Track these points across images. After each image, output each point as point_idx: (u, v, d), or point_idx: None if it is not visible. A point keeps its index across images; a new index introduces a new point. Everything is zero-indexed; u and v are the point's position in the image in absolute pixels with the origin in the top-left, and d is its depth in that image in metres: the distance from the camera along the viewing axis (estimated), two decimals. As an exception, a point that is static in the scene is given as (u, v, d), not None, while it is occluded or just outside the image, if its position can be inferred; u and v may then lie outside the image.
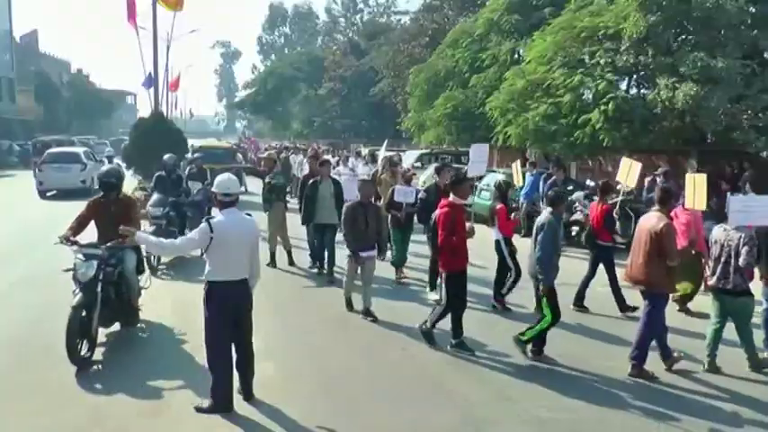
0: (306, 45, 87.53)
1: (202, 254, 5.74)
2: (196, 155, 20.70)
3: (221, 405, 5.68)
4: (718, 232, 7.01)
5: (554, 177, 14.03)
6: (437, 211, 7.44)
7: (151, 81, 22.80)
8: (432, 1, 38.23)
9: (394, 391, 6.31)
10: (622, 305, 8.95)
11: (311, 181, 10.92)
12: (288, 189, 13.29)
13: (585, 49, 17.03)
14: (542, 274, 6.99)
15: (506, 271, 9.21)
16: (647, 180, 13.50)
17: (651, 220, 6.88)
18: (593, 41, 17.01)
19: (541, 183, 14.65)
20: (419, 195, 10.36)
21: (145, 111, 57.48)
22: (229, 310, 5.72)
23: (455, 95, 24.90)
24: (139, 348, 7.37)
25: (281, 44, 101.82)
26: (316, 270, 11.30)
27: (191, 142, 26.48)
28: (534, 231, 7.22)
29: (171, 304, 9.11)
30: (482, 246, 13.51)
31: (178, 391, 6.17)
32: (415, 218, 10.85)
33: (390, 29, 51.04)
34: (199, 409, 5.69)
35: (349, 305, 9.01)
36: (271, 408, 5.82)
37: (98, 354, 7.14)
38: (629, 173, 10.57)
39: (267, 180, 12.06)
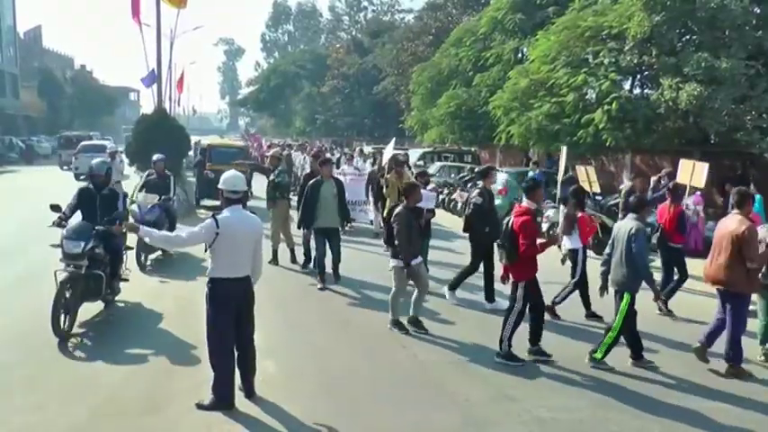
0: (309, 43, 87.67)
1: (206, 250, 5.71)
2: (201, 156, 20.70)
3: (223, 402, 5.68)
4: (762, 232, 7.03)
5: (631, 184, 13.56)
6: (512, 219, 6.98)
7: (152, 78, 22.77)
8: (435, -1, 38.25)
9: (395, 390, 6.31)
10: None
11: (312, 182, 10.32)
12: (292, 187, 13.31)
13: (589, 49, 17.03)
14: (648, 283, 6.90)
15: (582, 278, 8.89)
16: (652, 180, 13.48)
17: (732, 223, 6.83)
18: (596, 41, 17.01)
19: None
20: (473, 200, 9.39)
21: (148, 107, 57.54)
22: (232, 307, 5.72)
23: (458, 94, 24.93)
24: (141, 346, 7.37)
25: (285, 42, 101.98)
26: (308, 269, 11.12)
27: (194, 139, 26.53)
28: (622, 239, 6.93)
29: (172, 302, 9.11)
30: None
31: (179, 389, 6.17)
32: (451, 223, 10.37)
33: (394, 27, 51.05)
34: (200, 406, 5.69)
35: (399, 325, 8.00)
36: (272, 405, 5.82)
37: (99, 353, 7.15)
38: (692, 174, 10.10)
39: (271, 178, 12.06)
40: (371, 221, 15.33)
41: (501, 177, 17.25)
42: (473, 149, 25.78)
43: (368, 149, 24.12)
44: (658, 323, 8.59)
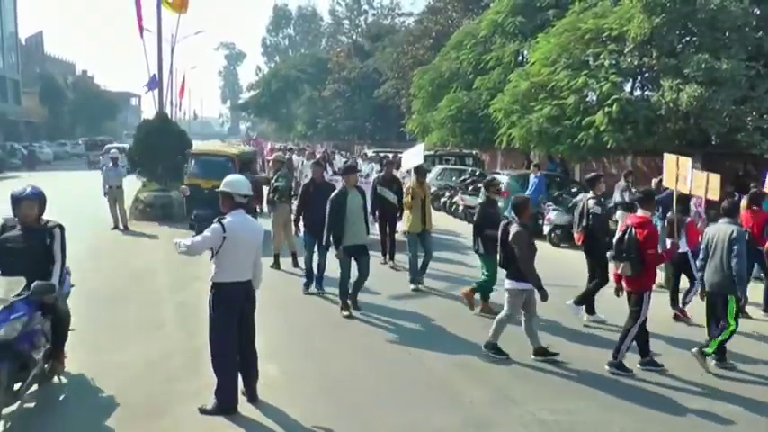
0: (310, 47, 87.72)
1: (212, 257, 5.70)
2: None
3: (225, 406, 5.68)
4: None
5: (657, 181, 13.42)
6: (634, 229, 6.85)
7: (154, 83, 22.81)
8: (436, 3, 38.30)
9: (397, 392, 6.31)
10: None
11: (336, 193, 8.91)
12: (292, 191, 13.20)
13: (590, 51, 17.04)
14: (740, 285, 6.94)
15: (690, 281, 8.82)
16: (653, 182, 13.47)
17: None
18: (597, 43, 17.02)
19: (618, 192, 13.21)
20: (593, 210, 8.84)
21: (149, 112, 57.65)
22: (235, 311, 5.73)
23: (459, 97, 24.95)
24: (143, 351, 7.38)
25: (286, 46, 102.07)
26: (315, 292, 9.85)
27: (196, 144, 26.55)
28: (721, 243, 6.97)
29: (173, 307, 9.13)
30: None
31: (182, 393, 6.17)
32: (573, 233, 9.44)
33: (394, 31, 51.13)
34: (203, 411, 5.69)
35: (496, 348, 7.29)
36: (274, 409, 5.82)
37: (96, 355, 7.16)
38: (707, 186, 9.59)
39: (271, 182, 12.08)
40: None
41: (502, 180, 17.27)
42: (474, 152, 25.79)
43: (370, 153, 23.96)
44: (663, 325, 8.57)
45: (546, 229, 15.02)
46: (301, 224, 10.06)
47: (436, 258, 11.43)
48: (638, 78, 17.66)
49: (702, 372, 6.93)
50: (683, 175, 7.88)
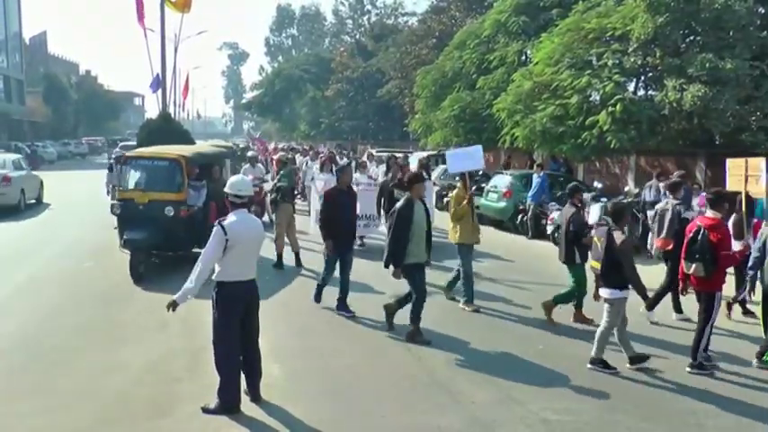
0: (313, 47, 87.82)
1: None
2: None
3: (228, 406, 5.69)
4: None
5: (681, 173, 13.16)
6: (707, 231, 6.83)
7: (158, 84, 22.88)
8: (439, 2, 38.28)
9: (400, 392, 6.31)
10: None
11: (403, 205, 7.88)
12: (295, 191, 13.29)
13: (593, 51, 16.99)
14: None
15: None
16: (661, 185, 13.44)
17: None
18: (600, 43, 16.98)
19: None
20: (683, 215, 8.62)
21: (153, 112, 57.74)
22: (239, 310, 5.74)
23: (462, 97, 24.91)
24: (146, 351, 7.39)
25: (289, 46, 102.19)
26: (347, 316, 8.83)
27: (198, 143, 26.56)
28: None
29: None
30: (493, 248, 13.53)
31: (185, 393, 6.18)
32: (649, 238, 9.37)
33: (398, 30, 51.11)
34: (206, 410, 5.70)
35: (603, 363, 7.01)
36: (277, 408, 5.82)
37: (99, 355, 7.18)
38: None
39: (274, 182, 12.10)
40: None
41: (505, 180, 17.26)
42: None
43: (377, 154, 23.65)
44: (662, 324, 8.56)
45: (549, 229, 14.99)
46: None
47: (437, 258, 11.43)
48: (642, 78, 17.61)
49: (710, 371, 6.92)
50: (754, 176, 7.88)
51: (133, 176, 11.48)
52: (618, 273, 6.87)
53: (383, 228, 12.51)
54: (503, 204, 16.83)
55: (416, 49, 36.57)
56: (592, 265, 7.25)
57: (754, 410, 6.06)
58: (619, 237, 6.93)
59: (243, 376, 5.88)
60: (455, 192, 9.56)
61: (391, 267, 7.88)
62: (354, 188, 12.64)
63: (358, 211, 12.34)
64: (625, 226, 7.47)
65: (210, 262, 5.62)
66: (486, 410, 5.91)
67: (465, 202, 9.19)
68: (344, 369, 6.93)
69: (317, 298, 9.20)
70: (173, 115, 24.91)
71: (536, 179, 15.81)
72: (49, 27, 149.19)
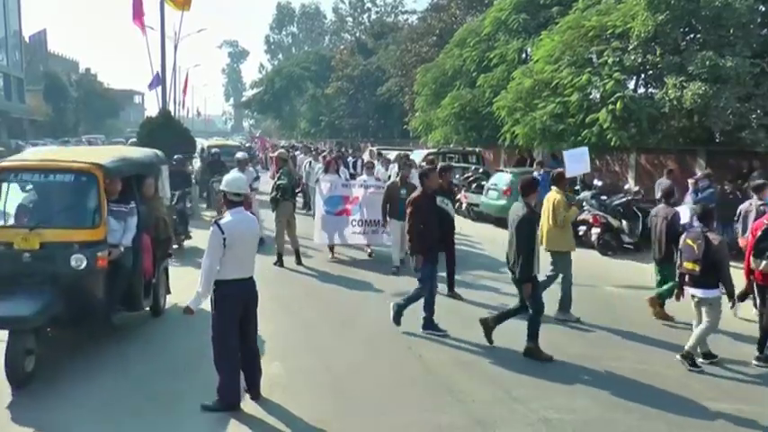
0: (313, 44, 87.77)
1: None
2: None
3: (228, 403, 5.69)
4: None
5: (707, 172, 13.13)
6: None
7: (157, 82, 22.87)
8: (439, 0, 38.20)
9: (401, 390, 6.31)
10: None
11: (528, 215, 7.20)
12: (295, 190, 13.04)
13: (593, 49, 16.97)
14: None
15: None
16: (689, 182, 13.46)
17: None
18: (600, 40, 16.96)
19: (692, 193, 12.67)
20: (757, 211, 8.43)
21: (152, 110, 57.73)
22: (239, 308, 5.74)
23: (462, 95, 24.89)
24: (145, 349, 7.39)
25: (289, 43, 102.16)
26: (440, 334, 7.93)
27: (198, 141, 26.56)
28: None
29: (174, 305, 9.12)
30: (493, 246, 13.54)
31: (185, 390, 6.18)
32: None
33: (398, 28, 51.04)
34: (206, 408, 5.70)
35: (711, 355, 7.23)
36: (277, 406, 5.83)
37: (103, 352, 7.18)
38: None
39: (274, 179, 12.08)
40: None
41: (505, 178, 17.24)
42: (477, 150, 25.76)
43: (384, 153, 22.46)
44: (664, 323, 8.56)
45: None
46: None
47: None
48: (642, 76, 17.58)
49: (709, 370, 6.92)
50: None
51: (12, 202, 7.04)
52: (714, 273, 6.94)
53: (386, 236, 12.03)
54: (503, 202, 16.78)
55: (417, 47, 36.51)
56: (686, 266, 7.15)
57: (755, 409, 6.05)
58: (715, 238, 7.00)
59: (243, 374, 5.88)
60: (555, 196, 8.77)
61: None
62: (362, 191, 12.44)
63: (365, 216, 12.27)
64: (714, 226, 7.46)
65: (214, 263, 5.60)
66: (487, 409, 5.91)
67: (575, 206, 9.22)
68: (345, 367, 6.93)
69: (398, 319, 8.07)
70: (173, 113, 24.88)
71: (536, 177, 15.79)
72: (49, 25, 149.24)
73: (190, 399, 5.93)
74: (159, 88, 22.82)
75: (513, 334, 7.90)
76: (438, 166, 10.32)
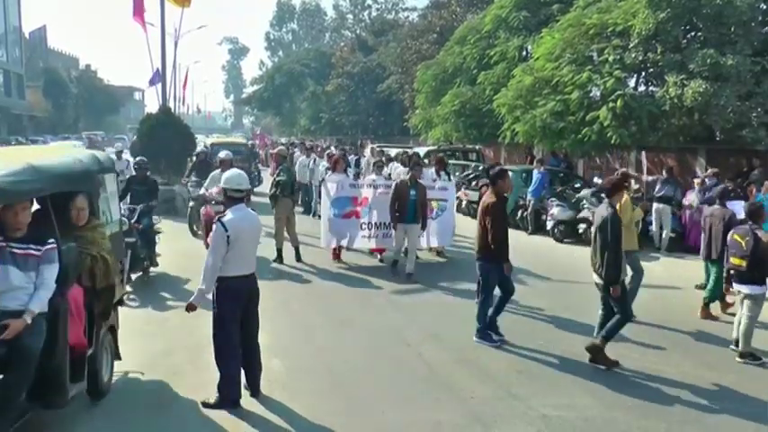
0: (313, 41, 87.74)
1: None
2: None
3: (228, 401, 5.69)
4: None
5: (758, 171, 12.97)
6: None
7: (157, 78, 22.85)
8: (439, -3, 38.14)
9: (400, 388, 6.31)
10: None
11: (615, 215, 6.97)
12: (294, 186, 12.93)
13: (594, 46, 16.94)
14: None
15: None
16: (695, 182, 13.46)
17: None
18: (601, 38, 16.92)
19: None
20: None
21: (153, 106, 57.63)
22: (240, 304, 5.75)
23: (463, 92, 24.85)
24: (145, 344, 7.39)
25: (289, 40, 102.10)
26: (495, 343, 7.60)
27: (199, 138, 26.53)
28: None
29: (174, 301, 9.13)
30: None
31: (185, 388, 6.18)
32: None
33: (398, 25, 51.01)
34: (206, 405, 5.70)
35: (753, 356, 7.25)
36: (277, 403, 5.83)
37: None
38: None
39: (273, 176, 12.07)
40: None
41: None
42: (477, 147, 25.74)
43: (388, 151, 20.96)
44: (666, 320, 8.56)
45: (549, 225, 15.00)
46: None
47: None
48: (643, 74, 17.55)
49: (709, 368, 6.92)
50: None
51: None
52: (760, 269, 7.02)
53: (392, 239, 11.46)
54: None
55: (417, 45, 36.45)
56: (733, 262, 7.23)
57: (755, 407, 6.06)
58: (764, 235, 7.08)
59: (243, 371, 5.88)
60: (626, 199, 8.46)
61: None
62: (372, 191, 11.71)
63: (375, 219, 11.62)
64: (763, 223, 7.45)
65: (217, 260, 5.58)
66: (487, 406, 5.91)
67: (641, 207, 9.22)
68: (345, 364, 6.94)
69: (495, 331, 7.72)
70: (173, 110, 24.85)
71: (536, 175, 15.80)
72: (49, 21, 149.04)
73: (190, 395, 5.94)
74: (159, 85, 22.80)
75: (513, 333, 7.91)
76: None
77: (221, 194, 9.58)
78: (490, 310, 7.60)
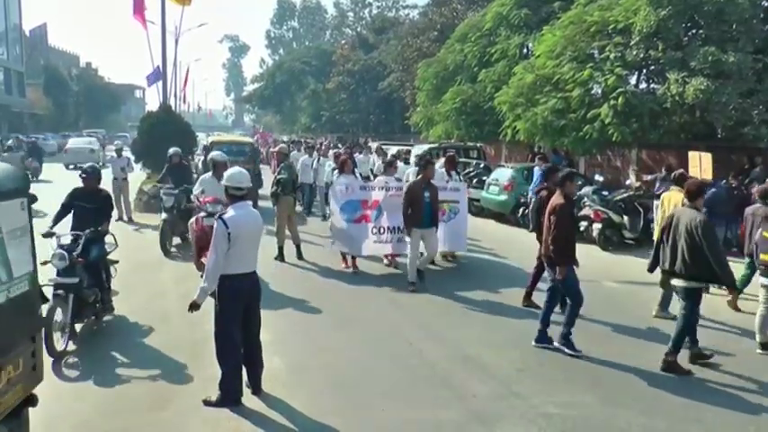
0: (314, 39, 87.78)
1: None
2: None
3: (230, 398, 5.69)
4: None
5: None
6: None
7: (156, 76, 22.85)
8: (440, -5, 38.10)
9: (401, 385, 6.31)
10: None
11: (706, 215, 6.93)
12: (295, 184, 12.85)
13: (595, 44, 16.94)
14: None
15: None
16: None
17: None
18: (602, 36, 16.92)
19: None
20: None
21: (153, 104, 57.61)
22: (242, 302, 5.75)
23: (464, 90, 24.86)
24: (147, 341, 7.39)
25: (290, 38, 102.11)
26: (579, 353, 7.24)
27: (199, 136, 26.53)
28: None
29: (176, 298, 9.12)
30: (493, 242, 13.53)
31: (186, 385, 6.19)
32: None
33: (399, 23, 51.01)
34: (207, 403, 5.70)
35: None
36: (278, 401, 5.83)
37: (104, 348, 7.18)
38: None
39: (274, 175, 12.06)
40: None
41: (506, 173, 17.23)
42: (479, 145, 25.75)
43: (388, 149, 20.48)
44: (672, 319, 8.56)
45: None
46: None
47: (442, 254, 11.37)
48: (644, 71, 17.55)
49: (709, 365, 6.91)
50: None
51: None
52: None
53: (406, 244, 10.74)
54: (503, 197, 16.82)
55: (418, 42, 36.44)
56: (763, 258, 7.27)
57: (755, 405, 6.05)
58: None
59: (244, 368, 5.88)
60: (679, 196, 8.30)
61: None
62: (383, 193, 10.88)
63: (387, 223, 10.87)
64: None
65: (219, 258, 5.57)
66: (488, 404, 5.91)
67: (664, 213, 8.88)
68: (346, 362, 6.93)
69: (547, 339, 7.47)
70: (173, 108, 24.85)
71: (537, 172, 15.77)
72: (50, 19, 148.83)
73: (191, 393, 5.94)
74: (160, 83, 22.79)
75: (513, 332, 7.91)
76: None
77: (216, 204, 9.19)
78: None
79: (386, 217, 10.84)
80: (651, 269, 7.25)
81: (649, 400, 6.09)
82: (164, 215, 12.22)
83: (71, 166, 30.78)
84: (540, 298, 8.16)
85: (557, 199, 7.37)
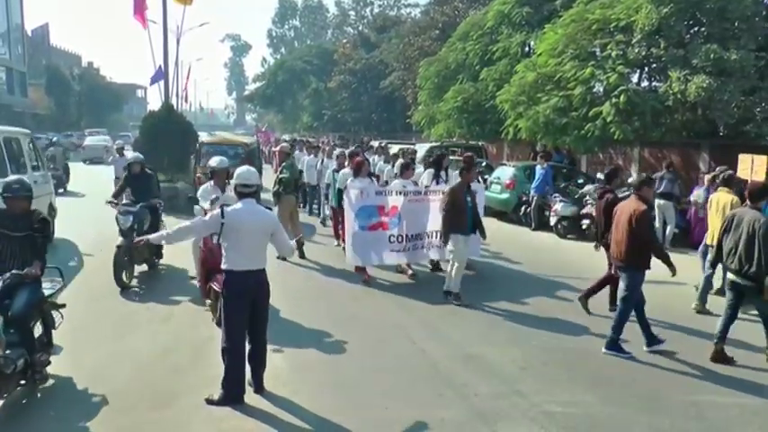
0: (316, 38, 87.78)
1: (217, 240, 5.88)
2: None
3: (232, 396, 5.70)
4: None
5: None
6: None
7: (158, 76, 22.88)
8: (442, -7, 38.08)
9: (403, 384, 6.31)
10: None
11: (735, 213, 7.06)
12: (298, 183, 12.81)
13: (597, 42, 16.92)
14: None
15: None
16: (705, 179, 13.40)
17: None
18: (604, 34, 16.90)
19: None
20: None
21: (155, 104, 57.64)
22: (247, 300, 5.75)
23: (465, 88, 24.85)
24: (151, 339, 7.40)
25: (292, 37, 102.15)
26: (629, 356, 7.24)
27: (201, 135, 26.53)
28: None
29: (179, 297, 9.13)
30: (496, 240, 13.52)
31: (189, 384, 6.19)
32: None
33: (400, 22, 50.97)
34: (210, 401, 5.70)
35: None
36: (281, 399, 5.83)
37: (104, 346, 7.19)
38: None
39: (276, 173, 12.07)
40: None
41: (508, 171, 17.24)
42: (480, 144, 25.75)
43: (390, 148, 19.63)
44: (667, 315, 8.54)
45: (552, 221, 14.99)
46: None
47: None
48: (646, 69, 17.53)
49: (711, 362, 6.91)
50: None
51: None
52: None
53: (432, 251, 10.58)
54: (506, 196, 16.83)
55: (419, 41, 36.42)
56: None
57: (756, 402, 6.05)
58: None
59: (247, 367, 5.89)
60: (729, 197, 8.51)
61: None
62: (401, 199, 10.21)
63: (405, 231, 10.24)
64: None
65: (194, 230, 6.15)
66: (490, 403, 5.91)
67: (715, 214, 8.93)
68: (348, 361, 6.94)
69: (621, 346, 7.32)
70: (175, 107, 24.86)
71: (539, 170, 15.78)
72: (51, 19, 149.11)
73: (194, 391, 5.94)
74: (162, 82, 22.82)
75: (515, 331, 7.91)
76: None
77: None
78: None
79: (405, 224, 10.22)
80: (713, 266, 8.26)
81: (651, 397, 6.09)
82: (119, 240, 9.49)
83: (87, 162, 35.77)
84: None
85: (635, 204, 7.21)
